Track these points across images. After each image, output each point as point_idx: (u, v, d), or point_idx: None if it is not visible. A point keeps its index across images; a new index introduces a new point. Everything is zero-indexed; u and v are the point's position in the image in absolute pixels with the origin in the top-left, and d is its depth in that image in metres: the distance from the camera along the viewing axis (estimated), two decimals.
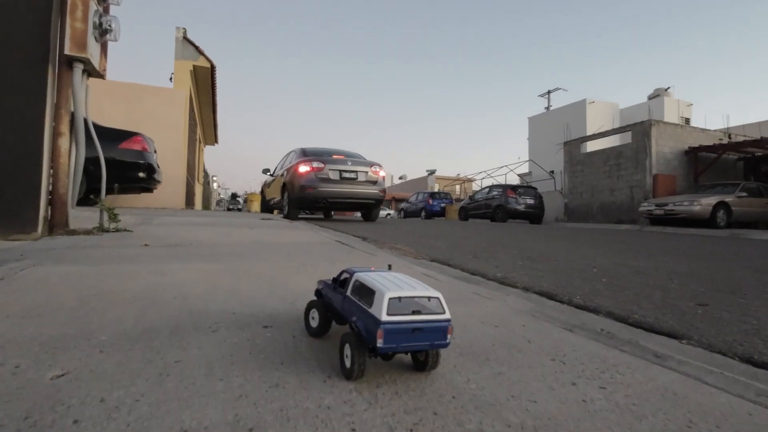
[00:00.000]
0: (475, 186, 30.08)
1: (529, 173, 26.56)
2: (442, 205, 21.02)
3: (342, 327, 1.11)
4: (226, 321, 1.20)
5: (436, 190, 30.96)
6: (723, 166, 15.90)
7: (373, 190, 8.28)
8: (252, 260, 2.36)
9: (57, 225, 3.17)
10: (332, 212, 11.94)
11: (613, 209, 16.16)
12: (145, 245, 2.77)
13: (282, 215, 8.52)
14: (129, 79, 14.49)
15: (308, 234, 4.30)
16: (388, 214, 29.97)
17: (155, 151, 7.45)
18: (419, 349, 0.84)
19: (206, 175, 27.82)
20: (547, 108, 30.21)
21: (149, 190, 7.45)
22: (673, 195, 13.76)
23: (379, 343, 0.79)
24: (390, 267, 1.08)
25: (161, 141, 9.10)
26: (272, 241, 3.48)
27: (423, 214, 20.77)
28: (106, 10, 3.56)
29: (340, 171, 7.97)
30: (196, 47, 11.91)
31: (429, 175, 42.94)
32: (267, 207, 10.91)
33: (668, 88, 28.07)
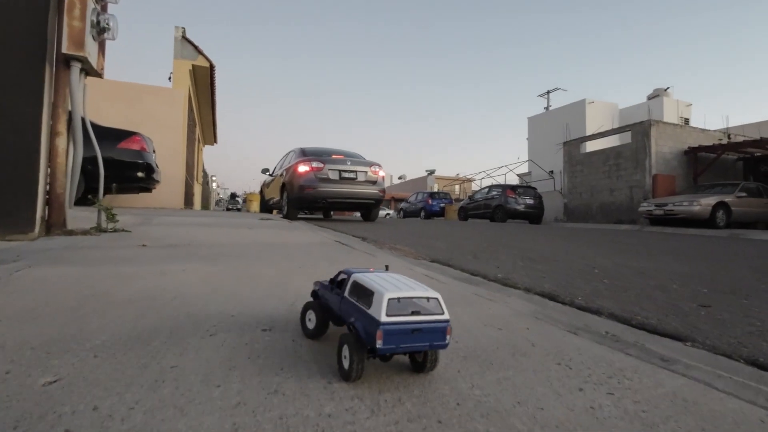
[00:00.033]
0: (475, 186, 30.07)
1: (529, 173, 26.56)
2: (442, 205, 21.01)
3: (339, 329, 1.09)
4: (225, 324, 1.17)
5: (435, 190, 30.94)
6: (722, 167, 15.90)
7: (372, 190, 8.26)
8: (251, 261, 2.34)
9: (54, 225, 3.14)
10: (331, 212, 11.92)
11: (612, 209, 16.16)
12: (143, 246, 2.74)
13: (281, 215, 8.50)
14: (128, 79, 14.45)
15: (308, 234, 4.28)
16: (388, 214, 29.96)
17: (154, 151, 7.42)
18: (418, 349, 0.83)
19: (205, 174, 27.78)
20: (547, 108, 30.21)
21: (148, 190, 7.42)
22: (672, 195, 13.76)
23: (379, 344, 0.78)
24: (387, 267, 1.07)
25: (160, 141, 9.07)
26: (271, 241, 3.46)
27: (422, 214, 20.76)
28: (104, 9, 3.54)
29: (340, 171, 7.94)
30: (195, 47, 11.88)
31: (428, 175, 42.93)
32: (266, 207, 10.88)
33: (668, 88, 28.10)
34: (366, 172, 8.19)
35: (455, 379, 0.90)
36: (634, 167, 15.43)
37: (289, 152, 9.36)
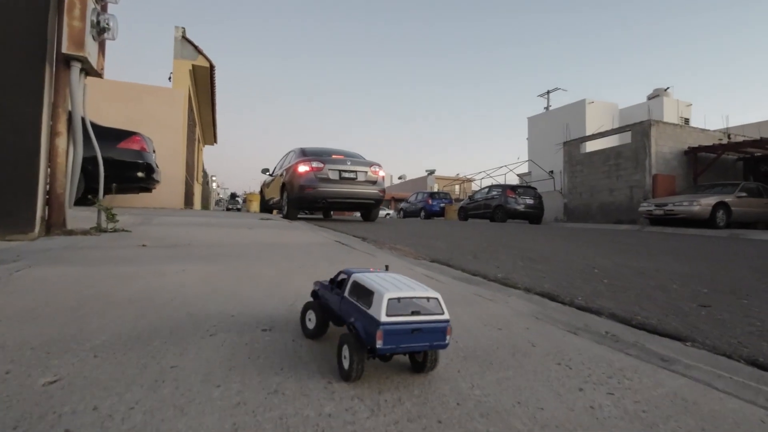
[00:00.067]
0: (475, 186, 30.08)
1: (529, 173, 26.56)
2: (442, 205, 21.01)
3: (339, 329, 1.09)
4: (225, 324, 1.17)
5: (435, 190, 30.95)
6: (722, 167, 15.91)
7: (372, 190, 8.26)
8: (251, 261, 2.34)
9: (54, 225, 3.14)
10: (331, 212, 11.92)
11: (612, 209, 16.16)
12: (143, 246, 2.74)
13: (281, 215, 8.50)
14: (128, 79, 14.45)
15: (308, 234, 4.28)
16: (388, 214, 29.96)
17: (154, 151, 7.42)
18: (418, 349, 0.83)
19: (205, 174, 27.78)
20: (547, 108, 30.21)
21: (148, 189, 7.42)
22: (672, 195, 13.76)
23: (379, 344, 0.78)
24: (387, 267, 1.07)
25: (160, 141, 9.07)
26: (271, 241, 3.46)
27: (422, 214, 20.76)
28: (104, 9, 3.54)
29: (340, 171, 7.94)
30: (195, 46, 11.88)
31: (428, 175, 42.93)
32: (266, 207, 10.88)
33: (667, 88, 28.10)
34: (366, 172, 8.19)
35: (455, 379, 0.90)
36: (634, 167, 15.43)
37: (289, 152, 9.37)
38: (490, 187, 16.94)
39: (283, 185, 8.45)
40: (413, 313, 0.82)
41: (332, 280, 1.05)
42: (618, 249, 4.97)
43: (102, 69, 3.63)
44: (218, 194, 53.62)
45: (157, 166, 7.31)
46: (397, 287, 0.85)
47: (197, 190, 18.13)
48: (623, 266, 3.34)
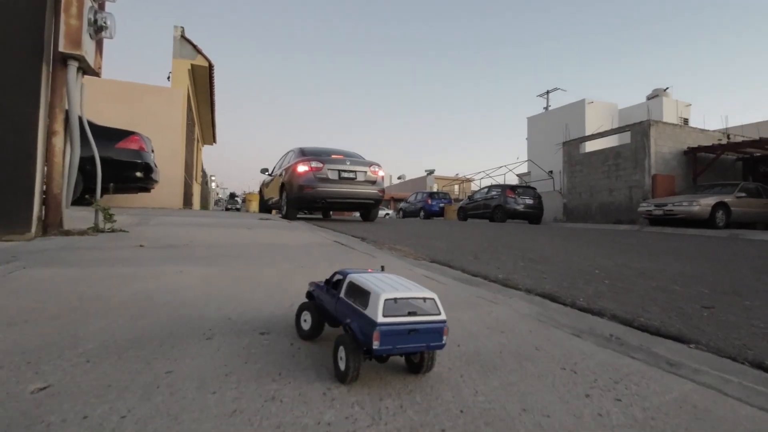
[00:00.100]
0: (474, 186, 30.06)
1: (528, 173, 26.56)
2: (441, 205, 20.99)
3: (336, 331, 1.07)
4: (222, 327, 1.15)
5: (434, 190, 30.93)
6: (722, 167, 15.91)
7: (372, 190, 8.23)
8: (250, 262, 2.31)
9: (51, 225, 3.11)
10: (331, 212, 11.89)
11: (611, 209, 16.15)
12: (141, 246, 2.72)
13: (280, 215, 8.47)
14: (126, 78, 14.43)
15: (307, 234, 4.25)
16: (387, 214, 29.94)
17: (152, 151, 7.39)
18: (415, 350, 0.83)
19: (204, 174, 27.73)
20: (546, 108, 30.21)
21: (146, 189, 7.39)
22: (672, 195, 13.76)
23: (375, 345, 0.77)
24: (383, 268, 1.05)
25: (159, 140, 9.04)
26: (270, 242, 3.43)
27: (422, 214, 20.73)
28: (102, 7, 3.51)
29: (339, 171, 7.92)
30: (194, 46, 11.84)
31: (428, 174, 42.89)
32: (265, 207, 10.85)
33: (667, 88, 28.09)
34: (365, 171, 8.17)
35: (458, 384, 0.87)
36: (634, 167, 15.42)
37: (289, 152, 9.34)
38: (490, 187, 16.92)
39: (283, 185, 8.42)
40: (410, 314, 0.81)
41: (327, 281, 1.04)
42: (618, 249, 4.95)
43: (99, 68, 3.60)
44: (217, 194, 53.58)
45: (155, 166, 7.28)
46: (393, 288, 0.84)
47: (196, 190, 18.09)
48: (624, 267, 3.32)
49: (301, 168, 7.80)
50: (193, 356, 0.93)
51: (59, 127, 3.10)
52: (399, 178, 53.87)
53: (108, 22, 3.28)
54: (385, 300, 0.80)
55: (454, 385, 0.86)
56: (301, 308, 1.11)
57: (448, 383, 0.87)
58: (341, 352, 0.84)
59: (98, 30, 3.24)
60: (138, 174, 6.67)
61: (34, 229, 2.80)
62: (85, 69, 3.30)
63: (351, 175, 8.01)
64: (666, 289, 2.44)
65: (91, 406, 0.70)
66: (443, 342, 0.83)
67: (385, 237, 4.95)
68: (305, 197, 7.74)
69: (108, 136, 6.38)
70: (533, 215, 15.01)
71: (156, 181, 7.30)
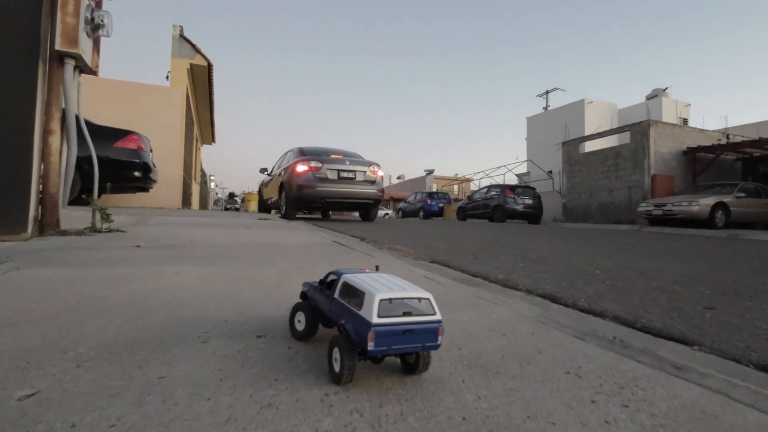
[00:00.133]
0: (474, 186, 30.05)
1: (528, 173, 26.54)
2: (441, 205, 20.96)
3: (330, 332, 1.05)
4: (218, 330, 1.12)
5: (434, 190, 30.91)
6: (721, 167, 15.90)
7: (371, 190, 8.21)
8: (248, 262, 2.29)
9: (47, 225, 3.08)
10: (330, 212, 11.87)
11: (611, 209, 16.14)
12: (138, 246, 2.69)
13: (279, 215, 8.44)
14: (125, 77, 14.39)
15: (306, 234, 4.23)
16: (386, 213, 29.92)
17: (151, 150, 7.35)
18: (410, 351, 0.82)
19: (203, 174, 27.68)
20: (546, 108, 30.19)
21: (145, 189, 7.35)
22: (671, 195, 13.75)
23: (370, 346, 0.76)
24: (377, 268, 1.04)
25: (157, 140, 9.00)
26: (269, 242, 3.40)
27: (421, 214, 20.71)
28: (99, 5, 3.48)
29: (338, 170, 7.89)
30: (193, 45, 11.80)
31: (427, 174, 42.87)
32: (264, 207, 10.82)
33: (666, 88, 28.07)
34: (365, 171, 8.14)
35: (460, 389, 0.85)
36: (633, 167, 15.41)
37: (288, 152, 9.31)
38: (489, 187, 16.90)
39: (282, 185, 8.39)
40: (405, 314, 0.80)
41: (322, 281, 1.03)
42: (618, 249, 4.93)
43: (97, 66, 3.58)
44: (216, 194, 53.51)
45: (154, 166, 7.24)
46: (388, 288, 0.83)
47: (195, 189, 18.05)
48: (624, 267, 3.30)
49: (301, 168, 7.77)
50: (187, 361, 0.91)
51: (56, 126, 3.07)
52: (398, 178, 53.86)
53: (105, 20, 3.25)
54: (380, 300, 0.79)
55: (455, 390, 0.84)
56: (295, 309, 1.10)
57: (450, 388, 0.85)
58: (336, 353, 0.84)
59: (95, 28, 3.21)
60: (136, 173, 6.63)
61: (30, 229, 2.77)
62: (82, 67, 3.27)
63: (350, 174, 7.98)
64: (666, 290, 2.42)
65: (79, 414, 0.67)
66: (438, 342, 0.82)
67: (384, 237, 4.92)
68: (304, 197, 7.72)
69: (106, 135, 6.35)
70: (532, 215, 14.99)
71: (154, 181, 7.27)
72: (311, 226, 5.82)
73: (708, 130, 16.58)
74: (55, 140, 3.07)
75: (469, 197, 17.97)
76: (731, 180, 14.66)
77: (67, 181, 3.27)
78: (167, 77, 11.89)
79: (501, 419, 0.74)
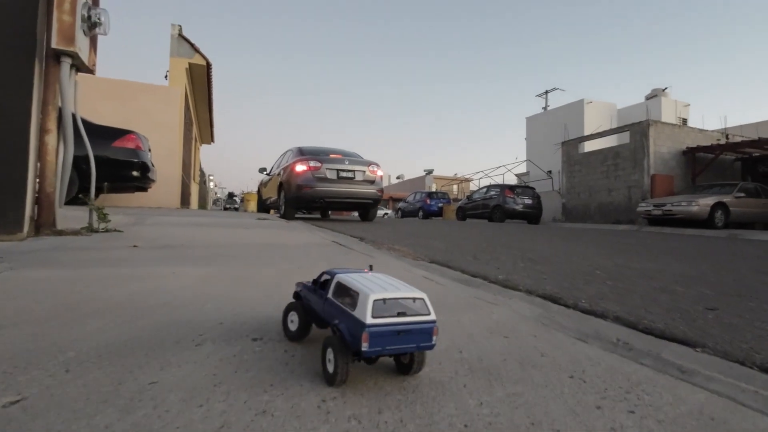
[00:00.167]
0: (473, 186, 30.04)
1: (527, 173, 26.54)
2: (440, 204, 20.94)
3: (324, 332, 1.02)
4: (213, 333, 1.09)
5: (433, 189, 30.89)
6: (721, 167, 15.90)
7: (370, 190, 8.18)
8: (246, 263, 2.26)
9: (44, 225, 3.05)
10: (329, 212, 11.84)
11: (610, 209, 16.13)
12: (135, 246, 2.66)
13: (278, 215, 8.41)
14: (123, 77, 14.35)
15: (305, 234, 4.20)
16: (386, 213, 29.90)
17: (149, 150, 7.32)
18: (405, 351, 0.82)
19: (202, 174, 27.64)
20: (545, 108, 30.19)
21: (143, 189, 7.33)
22: (671, 195, 13.75)
23: (364, 346, 0.75)
24: (371, 267, 1.03)
25: (156, 139, 8.96)
26: (268, 242, 3.38)
27: (420, 213, 20.69)
28: (96, 3, 3.45)
29: (338, 170, 7.87)
30: (192, 44, 11.77)
31: (426, 174, 42.85)
32: (264, 206, 10.79)
33: (666, 88, 28.08)
34: (364, 171, 8.11)
35: (461, 394, 0.82)
36: (633, 167, 15.40)
37: (287, 151, 9.28)
38: (489, 187, 16.88)
39: (281, 185, 8.36)
40: (399, 314, 0.79)
41: (315, 281, 1.02)
42: (618, 249, 4.91)
43: (94, 65, 3.55)
44: (216, 194, 53.46)
45: (152, 165, 7.21)
46: (382, 288, 0.82)
47: (194, 189, 18.01)
48: (625, 267, 3.28)
49: (300, 167, 7.75)
50: (180, 365, 0.88)
51: (52, 124, 3.04)
52: (398, 177, 53.84)
53: (102, 19, 3.23)
54: (374, 300, 0.78)
55: (457, 396, 0.82)
56: (288, 309, 1.08)
57: (451, 393, 0.82)
58: (329, 354, 0.83)
59: (92, 26, 3.18)
60: (135, 173, 6.61)
61: (26, 229, 2.74)
62: (79, 66, 3.24)
63: (349, 174, 7.95)
64: (668, 290, 2.40)
65: (65, 422, 0.65)
66: (433, 342, 0.82)
67: (383, 237, 4.90)
68: (303, 197, 7.69)
69: (104, 134, 6.32)
70: (532, 215, 14.97)
71: (153, 181, 7.24)
72: (310, 226, 5.79)
73: (707, 130, 16.58)
74: (51, 139, 3.04)
75: (468, 197, 17.95)
76: (731, 180, 14.66)
77: (64, 180, 3.24)
78: (166, 77, 11.85)
79: (504, 426, 0.71)
